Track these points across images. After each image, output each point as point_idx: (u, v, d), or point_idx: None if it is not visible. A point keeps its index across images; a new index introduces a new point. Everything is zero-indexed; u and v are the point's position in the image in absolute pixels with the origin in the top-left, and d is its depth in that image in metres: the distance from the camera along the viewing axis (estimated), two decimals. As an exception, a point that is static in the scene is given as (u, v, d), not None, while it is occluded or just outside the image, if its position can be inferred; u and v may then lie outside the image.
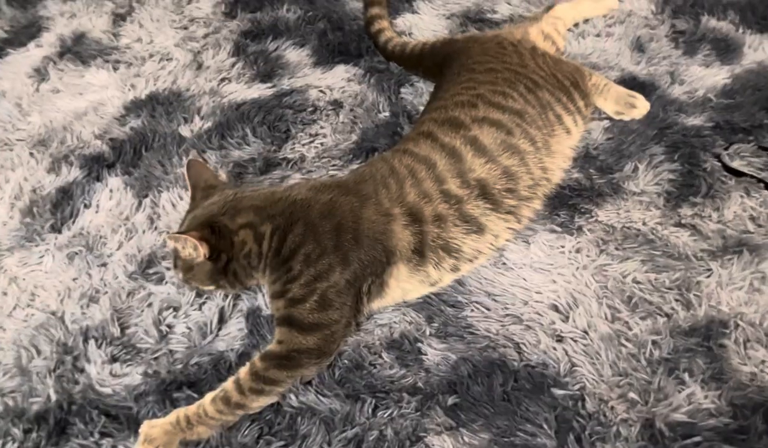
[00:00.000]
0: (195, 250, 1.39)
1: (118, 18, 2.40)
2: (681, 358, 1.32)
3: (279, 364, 1.33)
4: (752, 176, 1.59)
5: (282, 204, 1.45)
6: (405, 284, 1.45)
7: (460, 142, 1.52)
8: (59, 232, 1.72)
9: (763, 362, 1.30)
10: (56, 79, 2.18)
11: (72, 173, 1.84)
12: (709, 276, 1.44)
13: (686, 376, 1.29)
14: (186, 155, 1.83)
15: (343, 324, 1.38)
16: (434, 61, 1.91)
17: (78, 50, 2.27)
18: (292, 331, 1.35)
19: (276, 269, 1.42)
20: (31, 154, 1.92)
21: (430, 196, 1.45)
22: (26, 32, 2.40)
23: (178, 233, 1.40)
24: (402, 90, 1.96)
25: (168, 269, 1.59)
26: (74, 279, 1.61)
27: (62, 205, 1.77)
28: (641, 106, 1.77)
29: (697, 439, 1.21)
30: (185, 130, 1.92)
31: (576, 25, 2.08)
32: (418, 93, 1.94)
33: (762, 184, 1.57)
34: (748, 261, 1.44)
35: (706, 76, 1.85)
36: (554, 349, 1.37)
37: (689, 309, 1.39)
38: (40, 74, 2.21)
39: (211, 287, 1.49)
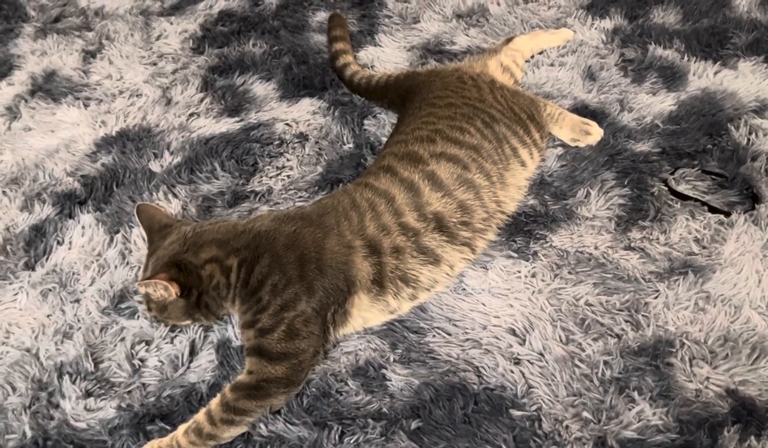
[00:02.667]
0: (166, 291, 1.43)
1: (89, 55, 2.44)
2: (631, 377, 1.39)
3: (249, 394, 1.37)
4: (697, 200, 1.67)
5: (246, 237, 1.50)
6: (366, 313, 1.51)
7: (418, 177, 1.58)
8: (33, 269, 1.76)
9: (707, 378, 1.37)
10: (28, 117, 2.22)
11: (45, 211, 1.88)
12: (656, 297, 1.51)
13: (636, 394, 1.36)
14: (156, 190, 1.88)
15: (311, 353, 1.43)
16: (398, 94, 1.98)
17: (49, 88, 2.32)
18: (262, 361, 1.40)
19: (246, 300, 1.47)
20: (4, 192, 1.96)
21: (388, 228, 1.51)
22: (-3, 71, 2.45)
23: (146, 278, 1.44)
24: (365, 122, 2.03)
25: (140, 302, 1.63)
26: (48, 316, 1.64)
27: (35, 243, 1.81)
28: (595, 133, 1.85)
29: (646, 454, 1.28)
30: (155, 166, 1.97)
31: (531, 55, 2.16)
32: (380, 125, 2.01)
33: (706, 208, 1.65)
34: (693, 282, 1.52)
35: (653, 104, 1.94)
36: (512, 371, 1.43)
37: (638, 330, 1.46)
38: (12, 112, 2.25)
39: (188, 321, 1.53)
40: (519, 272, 1.60)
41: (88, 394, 1.49)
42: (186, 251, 1.48)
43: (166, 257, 1.48)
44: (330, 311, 1.46)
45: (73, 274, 1.72)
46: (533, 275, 1.59)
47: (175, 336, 1.57)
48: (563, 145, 1.85)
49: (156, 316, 1.51)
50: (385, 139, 1.91)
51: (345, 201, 1.57)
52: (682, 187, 1.71)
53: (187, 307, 1.47)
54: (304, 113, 2.09)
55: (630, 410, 1.34)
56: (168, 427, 1.41)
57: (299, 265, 1.45)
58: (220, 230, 1.53)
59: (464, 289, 1.59)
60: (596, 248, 1.62)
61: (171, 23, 2.54)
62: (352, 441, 1.35)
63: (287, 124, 2.06)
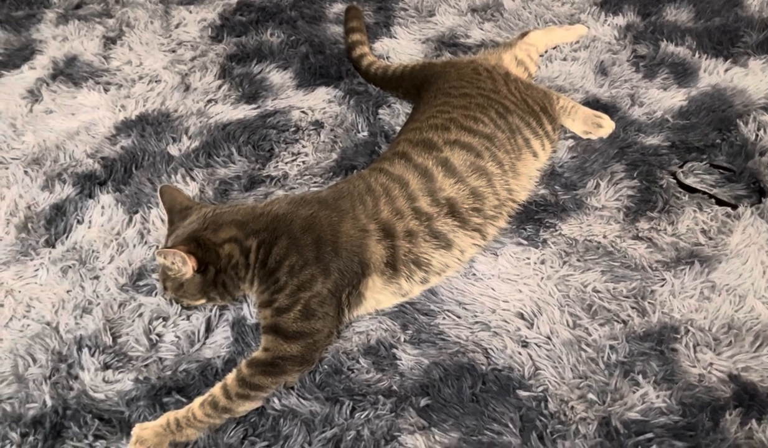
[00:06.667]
0: (184, 264, 1.47)
1: (109, 41, 2.49)
2: (636, 361, 1.42)
3: (264, 370, 1.41)
4: (704, 192, 1.70)
5: (264, 219, 1.53)
6: (378, 295, 1.54)
7: (432, 163, 1.62)
8: (53, 246, 1.79)
9: (710, 364, 1.40)
10: (49, 100, 2.26)
11: (65, 191, 1.92)
12: (662, 285, 1.54)
13: (640, 377, 1.39)
14: (174, 173, 1.92)
15: (326, 334, 1.47)
16: (413, 84, 2.02)
17: (70, 72, 2.36)
18: (278, 339, 1.44)
19: (264, 280, 1.50)
20: (26, 172, 1.99)
21: (402, 213, 1.55)
22: (20, 55, 2.49)
23: (166, 248, 1.48)
24: (380, 111, 2.07)
25: (157, 280, 1.66)
26: (68, 291, 1.68)
27: (56, 221, 1.84)
28: (607, 126, 1.88)
29: (649, 435, 1.31)
30: (174, 150, 2.01)
31: (545, 50, 2.20)
32: (394, 114, 2.05)
33: (713, 200, 1.68)
34: (699, 271, 1.55)
35: (664, 99, 1.97)
36: (519, 354, 1.46)
37: (644, 316, 1.49)
38: (34, 95, 2.30)
39: (202, 301, 1.55)
40: (528, 258, 1.63)
41: (106, 366, 1.52)
42: (206, 229, 1.52)
43: (185, 234, 1.52)
44: (345, 292, 1.49)
45: (93, 252, 1.76)
46: (542, 262, 1.62)
47: (191, 314, 1.60)
48: (574, 137, 1.89)
49: (172, 294, 1.55)
50: (399, 128, 1.94)
51: (360, 186, 1.60)
52: (690, 180, 1.74)
53: (203, 284, 1.50)
54: (320, 101, 2.13)
55: (634, 392, 1.37)
56: (184, 399, 1.45)
57: (316, 247, 1.49)
58: (239, 211, 1.56)
59: (474, 274, 1.62)
60: (605, 236, 1.65)
61: (190, 12, 2.59)
62: (362, 416, 1.39)
63: (303, 112, 2.10)
